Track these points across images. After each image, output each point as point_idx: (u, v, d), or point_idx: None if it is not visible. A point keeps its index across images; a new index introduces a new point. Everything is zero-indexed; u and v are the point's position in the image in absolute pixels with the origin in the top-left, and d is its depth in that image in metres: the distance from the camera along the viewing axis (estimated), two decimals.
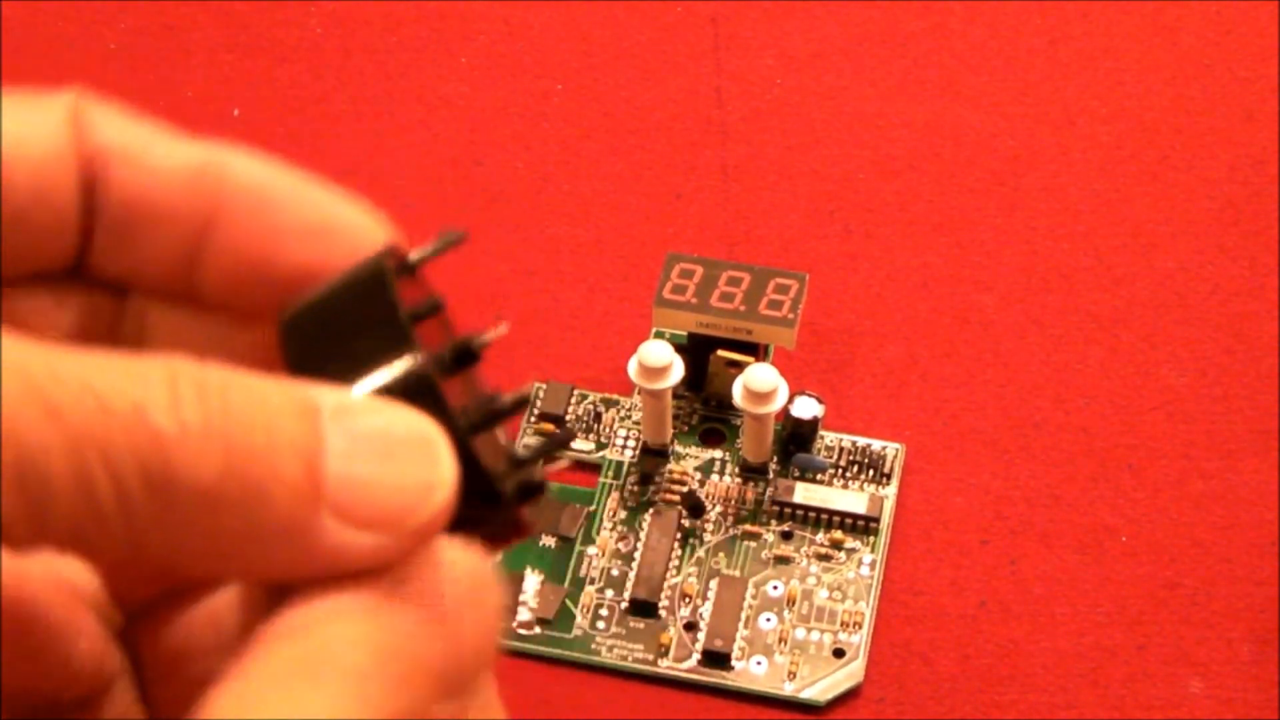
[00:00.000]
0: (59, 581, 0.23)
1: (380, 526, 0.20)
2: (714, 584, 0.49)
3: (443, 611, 0.20)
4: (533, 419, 0.52)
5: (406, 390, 0.21)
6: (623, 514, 0.50)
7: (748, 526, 0.50)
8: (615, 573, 0.49)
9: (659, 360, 0.48)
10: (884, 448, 0.51)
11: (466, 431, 0.21)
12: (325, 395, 0.20)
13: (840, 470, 0.51)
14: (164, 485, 0.19)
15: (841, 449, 0.51)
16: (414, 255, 0.23)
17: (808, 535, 0.50)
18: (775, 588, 0.49)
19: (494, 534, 0.22)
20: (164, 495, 0.19)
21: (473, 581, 0.21)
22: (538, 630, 0.48)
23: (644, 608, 0.48)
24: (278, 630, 0.20)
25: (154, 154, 0.23)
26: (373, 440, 0.20)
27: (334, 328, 0.22)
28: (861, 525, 0.50)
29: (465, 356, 0.23)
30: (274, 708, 0.19)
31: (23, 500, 0.18)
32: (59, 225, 0.23)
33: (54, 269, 0.23)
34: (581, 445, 0.52)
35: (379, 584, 0.20)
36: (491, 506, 0.22)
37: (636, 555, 0.49)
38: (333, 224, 0.23)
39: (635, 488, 0.51)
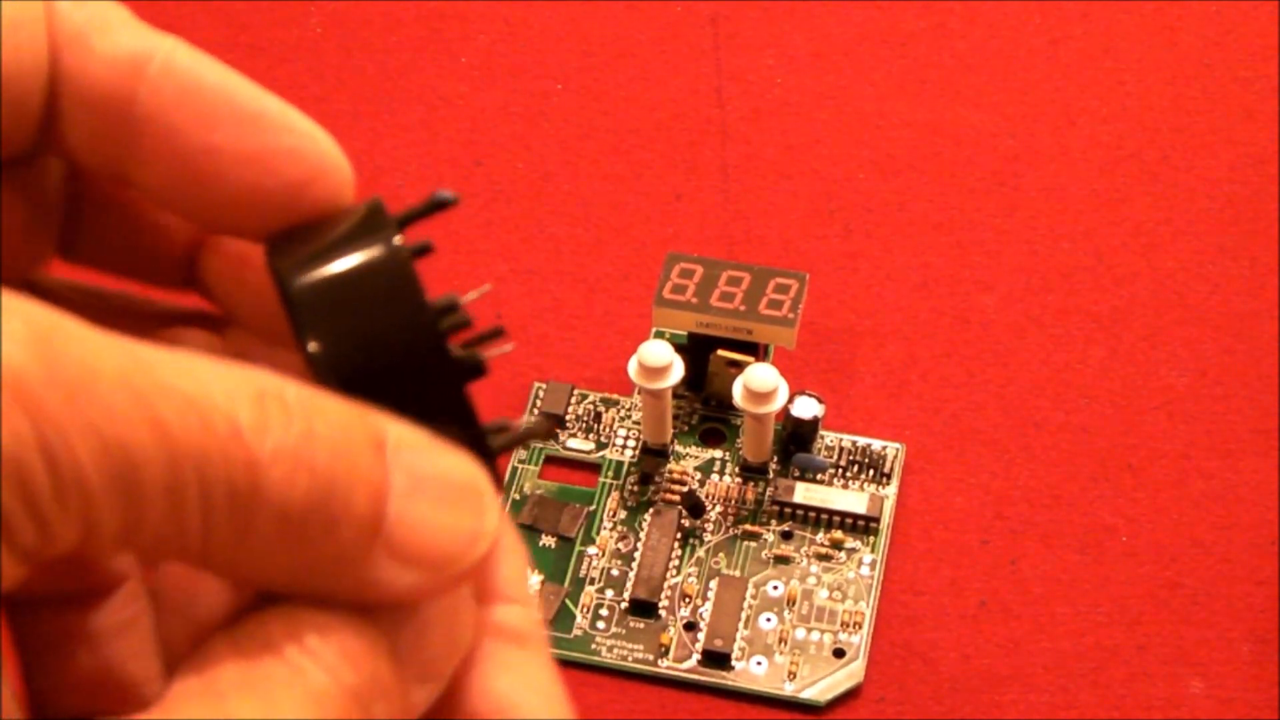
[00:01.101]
0: None
1: (424, 567, 0.21)
2: (714, 584, 0.49)
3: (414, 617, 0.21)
4: (533, 419, 0.52)
5: (436, 393, 0.22)
6: (623, 514, 0.50)
7: (748, 526, 0.50)
8: (615, 573, 0.49)
9: (659, 360, 0.48)
10: (884, 448, 0.51)
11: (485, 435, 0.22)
12: (390, 428, 0.21)
13: (840, 470, 0.51)
14: (247, 507, 0.19)
15: (841, 449, 0.51)
16: (403, 215, 0.23)
17: (808, 535, 0.50)
18: (775, 588, 0.49)
19: None
20: (245, 516, 0.19)
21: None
22: None
23: (644, 608, 0.48)
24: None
25: (100, 39, 0.23)
26: (431, 483, 0.21)
27: (352, 307, 0.22)
28: (861, 525, 0.50)
29: (449, 310, 0.23)
30: (232, 678, 0.20)
31: (121, 508, 0.18)
32: (29, 108, 0.23)
33: (21, 148, 0.23)
34: (581, 445, 0.52)
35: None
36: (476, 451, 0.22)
37: (636, 555, 0.49)
38: (271, 144, 0.23)
39: (635, 488, 0.51)
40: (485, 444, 0.22)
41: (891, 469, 0.51)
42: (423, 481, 0.21)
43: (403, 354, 0.22)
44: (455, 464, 0.21)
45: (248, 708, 0.19)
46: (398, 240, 0.22)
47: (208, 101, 0.23)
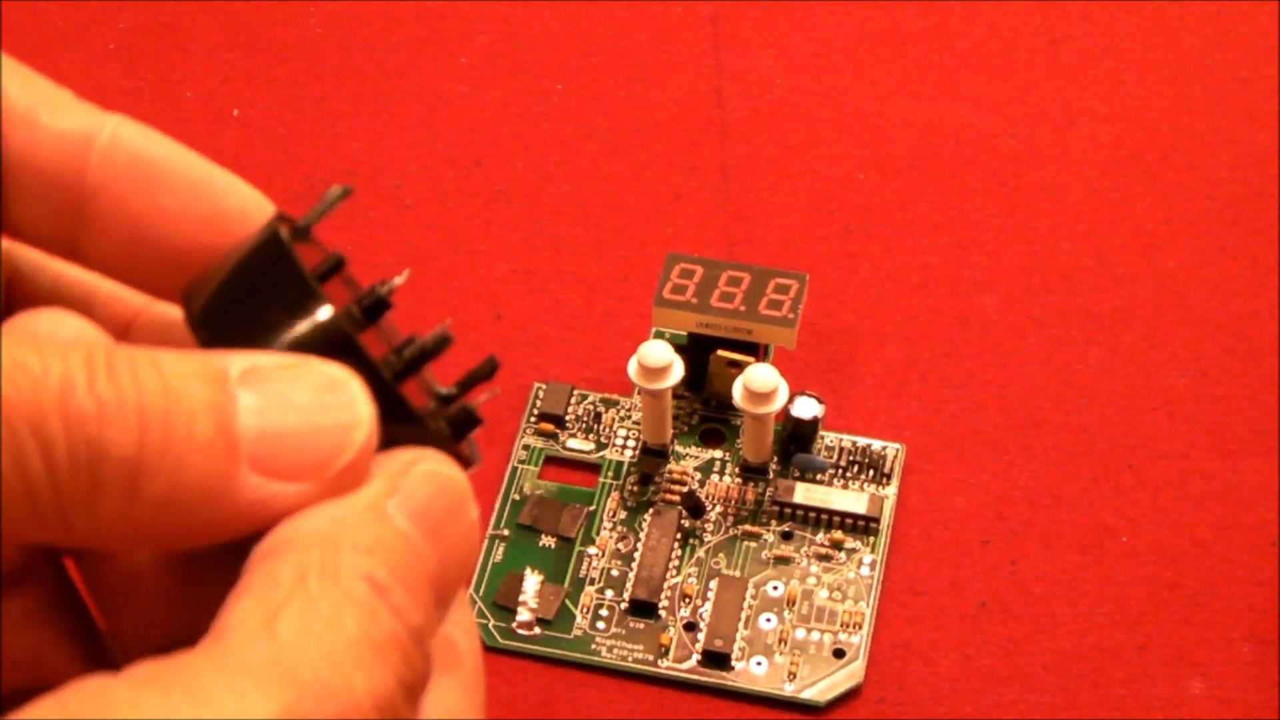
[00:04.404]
0: None
1: (303, 475, 0.21)
2: (714, 584, 0.49)
3: (435, 522, 0.21)
4: (533, 419, 0.52)
5: (323, 345, 0.22)
6: (622, 514, 0.50)
7: (748, 526, 0.50)
8: (615, 573, 0.49)
9: (659, 360, 0.48)
10: (884, 448, 0.51)
11: (391, 378, 0.22)
12: (235, 360, 0.21)
13: (840, 470, 0.51)
14: (89, 460, 0.19)
15: (842, 449, 0.51)
16: (303, 219, 0.23)
17: (808, 535, 0.50)
18: (775, 588, 0.49)
19: None
20: (89, 469, 0.19)
21: (453, 493, 0.22)
22: (538, 630, 0.48)
23: (644, 608, 0.48)
24: (277, 544, 0.20)
25: (49, 117, 0.23)
26: (285, 393, 0.21)
27: (241, 299, 0.22)
28: (862, 525, 0.50)
29: (376, 307, 0.23)
30: (295, 618, 0.19)
31: None
32: None
33: None
34: (581, 445, 0.52)
35: (374, 497, 0.21)
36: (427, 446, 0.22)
37: (636, 555, 0.49)
38: (220, 207, 0.24)
39: (635, 488, 0.51)
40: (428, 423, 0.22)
41: (891, 469, 0.51)
42: (276, 394, 0.21)
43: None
44: (309, 367, 0.21)
45: (309, 654, 0.19)
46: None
47: (157, 169, 0.24)
